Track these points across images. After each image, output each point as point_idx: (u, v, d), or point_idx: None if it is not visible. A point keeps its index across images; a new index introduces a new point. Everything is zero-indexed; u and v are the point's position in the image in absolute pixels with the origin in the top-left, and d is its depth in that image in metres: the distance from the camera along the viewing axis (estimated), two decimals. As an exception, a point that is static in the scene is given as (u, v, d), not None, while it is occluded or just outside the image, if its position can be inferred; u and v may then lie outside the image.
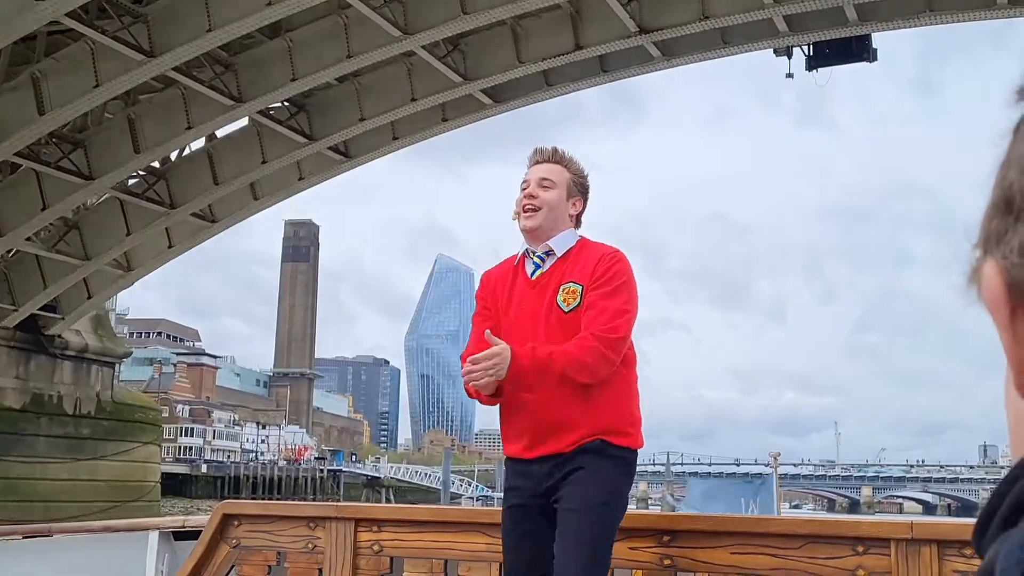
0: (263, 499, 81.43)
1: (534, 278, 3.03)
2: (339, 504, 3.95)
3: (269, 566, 3.81)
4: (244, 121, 26.32)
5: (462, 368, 2.86)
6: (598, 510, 2.87)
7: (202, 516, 4.22)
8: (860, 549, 3.02)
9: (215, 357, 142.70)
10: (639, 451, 3.03)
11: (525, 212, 3.04)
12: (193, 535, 4.04)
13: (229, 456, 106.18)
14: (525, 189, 3.08)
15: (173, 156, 27.69)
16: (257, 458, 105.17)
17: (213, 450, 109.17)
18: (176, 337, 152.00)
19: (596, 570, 2.85)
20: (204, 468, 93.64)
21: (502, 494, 3.23)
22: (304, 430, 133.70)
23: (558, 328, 2.94)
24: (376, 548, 3.70)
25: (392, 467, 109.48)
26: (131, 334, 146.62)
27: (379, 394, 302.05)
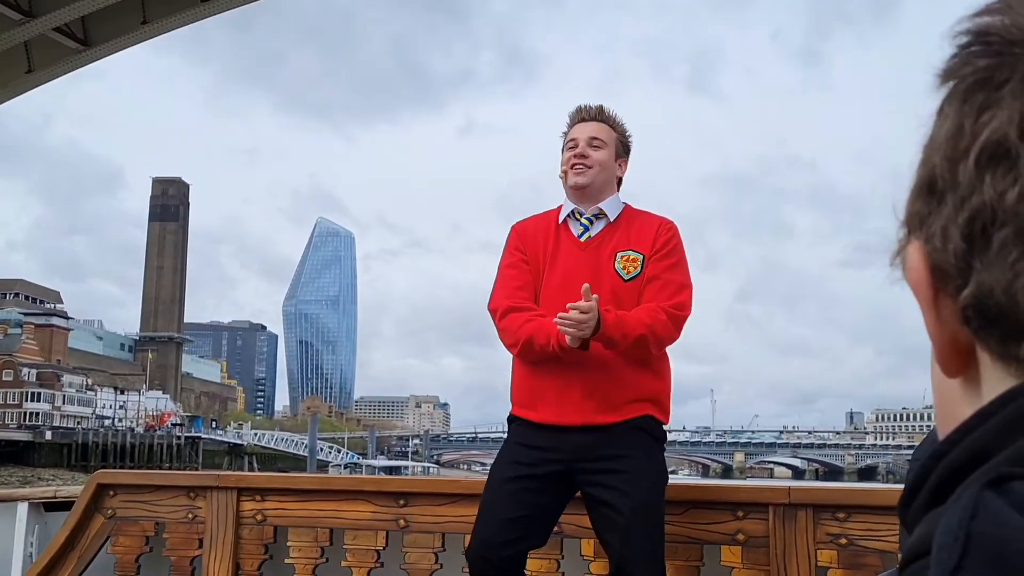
0: (115, 467, 79.37)
1: (583, 240, 2.94)
2: (220, 473, 3.86)
3: (147, 537, 3.71)
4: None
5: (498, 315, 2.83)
6: (659, 504, 2.84)
7: (75, 487, 4.07)
8: (740, 514, 3.12)
9: (67, 319, 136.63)
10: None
11: (575, 170, 2.96)
12: (66, 506, 3.89)
13: (80, 423, 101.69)
14: (573, 148, 2.99)
15: None
16: (114, 424, 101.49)
17: (63, 416, 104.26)
18: (34, 299, 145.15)
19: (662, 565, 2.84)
20: (49, 435, 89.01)
21: (493, 462, 3.10)
22: (168, 396, 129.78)
23: (612, 295, 2.85)
24: (260, 518, 3.64)
25: (256, 434, 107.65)
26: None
27: (256, 360, 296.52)
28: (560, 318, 2.66)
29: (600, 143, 3.00)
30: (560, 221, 3.00)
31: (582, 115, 3.06)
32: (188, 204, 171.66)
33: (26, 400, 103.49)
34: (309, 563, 3.54)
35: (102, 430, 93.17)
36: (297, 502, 3.61)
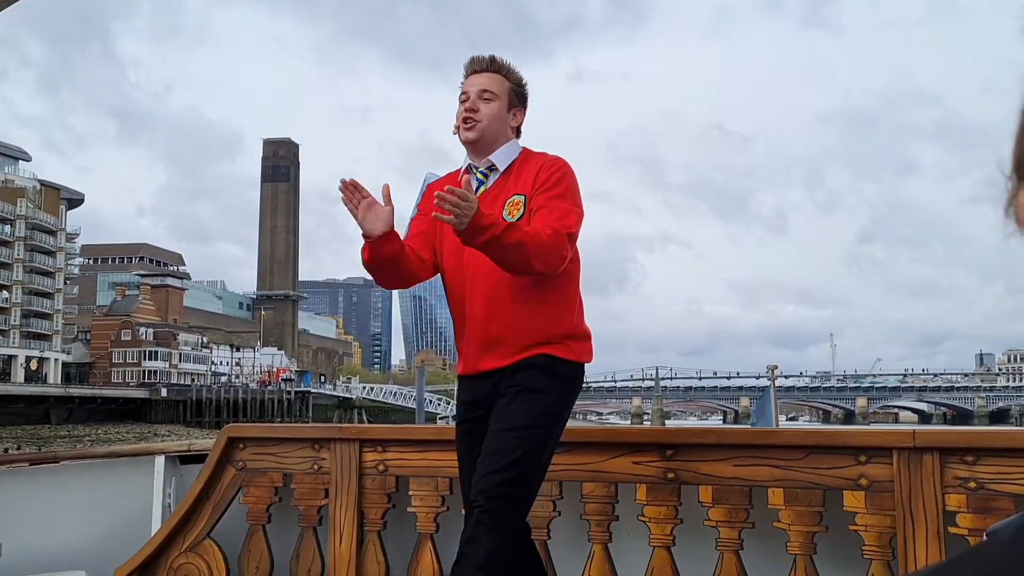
0: (228, 423, 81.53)
1: (479, 194, 2.92)
2: (342, 425, 4.01)
3: (275, 487, 3.88)
4: None
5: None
6: (524, 432, 2.75)
7: (207, 440, 4.29)
8: (862, 459, 3.07)
9: (181, 279, 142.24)
10: (586, 365, 2.95)
11: (465, 124, 2.95)
12: (199, 459, 4.11)
13: (195, 380, 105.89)
14: (464, 101, 2.98)
15: None
16: (230, 380, 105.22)
17: (180, 373, 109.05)
18: (158, 261, 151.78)
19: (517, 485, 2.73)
20: (164, 392, 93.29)
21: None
22: (283, 352, 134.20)
23: None
24: (381, 468, 3.77)
25: (365, 387, 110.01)
26: (111, 259, 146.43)
27: (371, 316, 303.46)
28: (439, 195, 2.60)
29: (491, 95, 2.98)
30: (460, 178, 2.89)
31: (474, 67, 3.03)
32: (298, 164, 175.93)
33: (144, 359, 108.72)
34: (431, 512, 3.66)
35: (215, 386, 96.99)
36: (416, 452, 3.72)
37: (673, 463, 3.31)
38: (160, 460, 4.18)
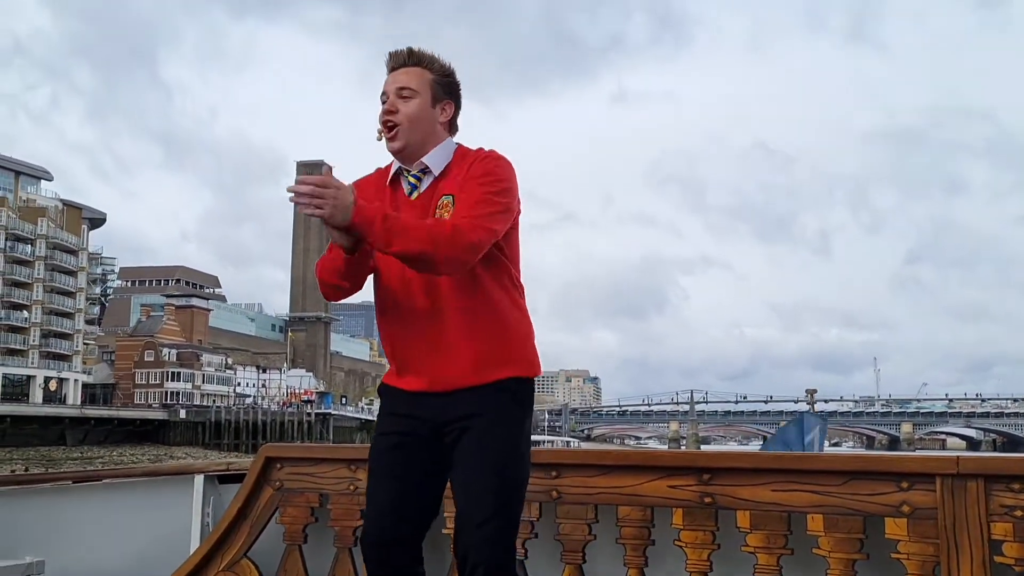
0: (248, 444, 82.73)
1: (413, 198, 2.72)
2: None
3: (312, 508, 3.97)
4: None
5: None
6: (512, 484, 2.61)
7: (246, 459, 4.41)
8: (904, 485, 3.08)
9: (207, 299, 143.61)
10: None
11: (388, 131, 2.71)
12: (237, 478, 4.22)
13: (215, 401, 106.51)
14: (383, 103, 2.74)
15: None
16: (255, 402, 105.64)
17: (203, 395, 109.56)
18: (194, 284, 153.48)
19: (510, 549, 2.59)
20: (183, 414, 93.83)
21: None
22: (311, 374, 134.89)
23: None
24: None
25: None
26: (147, 282, 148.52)
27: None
28: (289, 188, 2.45)
29: (410, 92, 2.73)
30: (388, 181, 2.78)
31: (392, 62, 2.79)
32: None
33: (167, 380, 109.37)
34: None
35: (234, 408, 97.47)
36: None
37: (710, 487, 3.34)
38: (199, 479, 4.30)
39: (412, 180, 2.74)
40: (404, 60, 2.76)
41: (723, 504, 3.32)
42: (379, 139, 2.75)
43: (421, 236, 2.49)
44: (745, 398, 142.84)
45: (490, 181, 2.66)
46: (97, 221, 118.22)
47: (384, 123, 2.71)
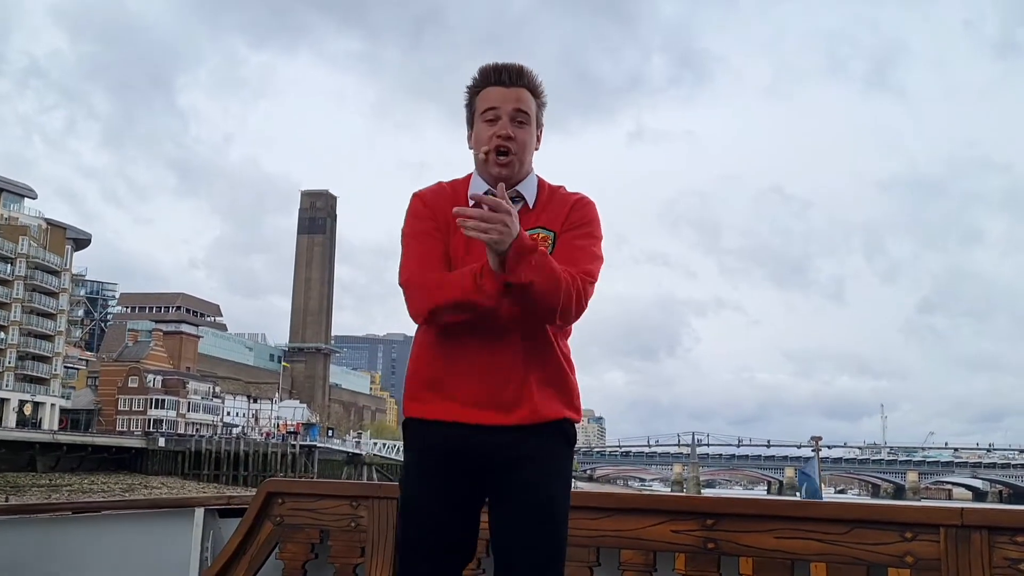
0: (229, 476, 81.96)
1: None
2: (382, 483, 4.18)
3: (312, 544, 4.03)
4: None
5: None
6: (563, 527, 2.65)
7: (247, 493, 4.48)
8: (908, 535, 3.13)
9: (202, 327, 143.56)
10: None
11: (501, 157, 2.63)
12: (238, 512, 4.26)
13: (197, 429, 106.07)
14: (493, 122, 2.64)
15: None
16: (244, 432, 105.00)
17: (187, 423, 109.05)
18: (195, 311, 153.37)
19: None
20: (162, 442, 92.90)
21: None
22: (304, 405, 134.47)
23: None
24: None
25: (376, 443, 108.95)
26: (148, 308, 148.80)
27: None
28: (459, 211, 2.34)
29: (525, 118, 2.65)
30: (472, 203, 2.55)
31: (502, 76, 2.66)
32: (335, 216, 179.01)
33: (150, 407, 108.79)
34: (469, 572, 3.80)
35: (215, 438, 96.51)
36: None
37: (714, 533, 3.38)
38: (199, 512, 4.36)
39: None
40: (517, 78, 2.68)
41: (726, 550, 3.36)
42: (484, 159, 2.67)
43: (559, 283, 2.45)
44: (750, 441, 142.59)
45: (592, 233, 2.68)
46: (82, 242, 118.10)
47: (498, 148, 2.63)
